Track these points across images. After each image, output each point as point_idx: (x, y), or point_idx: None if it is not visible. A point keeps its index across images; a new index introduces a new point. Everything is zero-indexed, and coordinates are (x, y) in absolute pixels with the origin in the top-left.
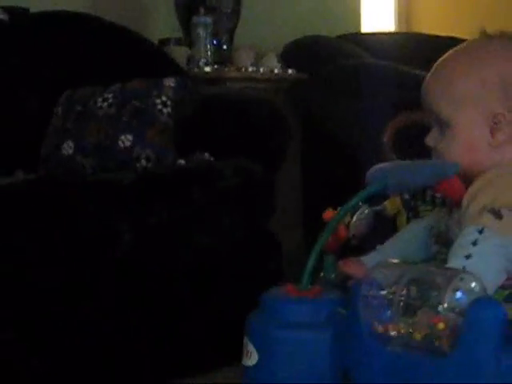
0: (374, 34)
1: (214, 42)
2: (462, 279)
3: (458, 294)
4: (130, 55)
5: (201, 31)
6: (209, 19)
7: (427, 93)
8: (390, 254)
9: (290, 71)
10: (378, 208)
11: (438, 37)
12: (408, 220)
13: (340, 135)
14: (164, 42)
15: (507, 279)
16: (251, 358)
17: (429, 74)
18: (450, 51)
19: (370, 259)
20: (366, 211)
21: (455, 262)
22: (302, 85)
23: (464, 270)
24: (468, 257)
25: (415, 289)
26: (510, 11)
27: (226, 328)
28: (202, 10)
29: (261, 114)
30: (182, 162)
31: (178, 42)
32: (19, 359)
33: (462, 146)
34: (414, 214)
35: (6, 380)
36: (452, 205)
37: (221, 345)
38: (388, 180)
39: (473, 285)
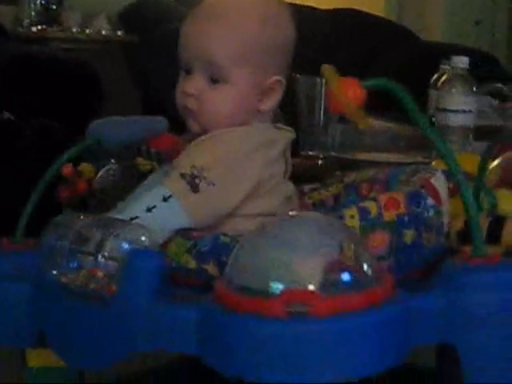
0: None
1: (42, 1)
2: (130, 230)
3: (123, 244)
4: None
5: None
6: None
7: (201, 37)
8: None
9: (119, 33)
10: (129, 164)
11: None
12: None
13: (165, 100)
14: None
15: (193, 231)
16: None
17: (205, 15)
18: None
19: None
20: (114, 167)
21: (133, 208)
22: (132, 47)
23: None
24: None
25: (81, 238)
26: None
27: None
28: None
29: (70, 75)
30: None
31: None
32: None
33: (234, 104)
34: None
35: None
36: (167, 159)
37: None
38: (103, 135)
39: (142, 238)
